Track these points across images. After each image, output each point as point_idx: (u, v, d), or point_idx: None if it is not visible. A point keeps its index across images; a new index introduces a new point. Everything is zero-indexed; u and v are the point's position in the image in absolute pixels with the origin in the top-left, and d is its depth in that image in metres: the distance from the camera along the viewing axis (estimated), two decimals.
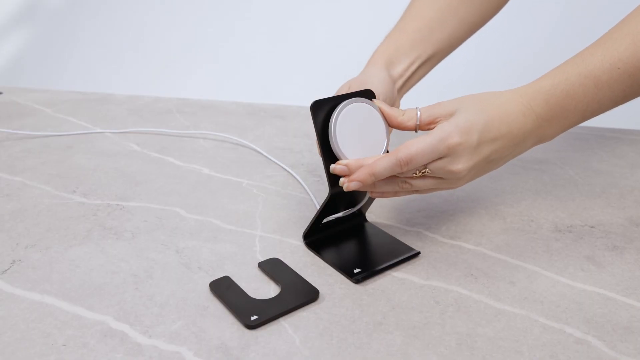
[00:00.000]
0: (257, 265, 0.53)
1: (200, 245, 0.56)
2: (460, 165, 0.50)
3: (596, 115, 0.55)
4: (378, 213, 0.63)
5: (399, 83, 0.66)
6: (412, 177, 0.51)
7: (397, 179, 0.51)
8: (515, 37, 1.82)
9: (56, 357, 0.42)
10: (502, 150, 0.52)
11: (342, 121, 0.51)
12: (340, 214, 0.57)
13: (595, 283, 0.51)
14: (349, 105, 0.51)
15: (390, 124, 0.54)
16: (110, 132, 0.86)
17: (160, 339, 0.44)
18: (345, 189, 0.51)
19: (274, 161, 0.76)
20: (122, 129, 0.87)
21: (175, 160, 0.76)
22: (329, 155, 0.51)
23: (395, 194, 0.53)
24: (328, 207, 0.54)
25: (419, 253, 0.55)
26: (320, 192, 0.67)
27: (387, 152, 0.54)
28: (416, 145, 0.49)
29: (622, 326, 0.45)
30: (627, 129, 0.88)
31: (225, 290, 0.49)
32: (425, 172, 0.50)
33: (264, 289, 0.50)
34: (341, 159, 0.51)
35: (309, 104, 0.51)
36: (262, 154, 0.79)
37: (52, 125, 0.88)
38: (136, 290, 0.49)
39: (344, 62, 1.97)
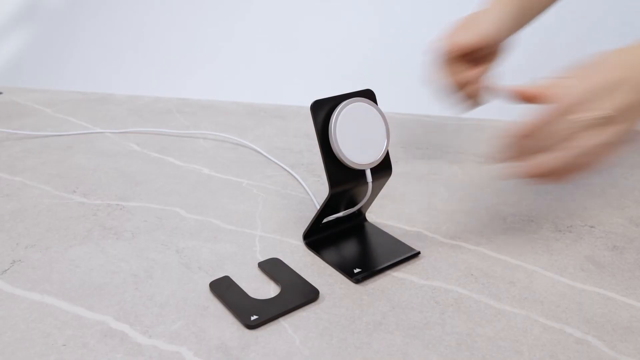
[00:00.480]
0: (257, 265, 0.53)
1: (200, 245, 0.56)
2: (634, 94, 0.43)
3: None
4: (378, 213, 0.63)
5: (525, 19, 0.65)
6: (576, 138, 0.44)
7: (561, 147, 0.45)
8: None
9: (56, 357, 0.42)
10: None
11: (342, 121, 0.51)
12: (340, 214, 0.57)
13: (595, 283, 0.51)
14: (349, 105, 0.51)
15: (541, 102, 0.47)
16: (110, 132, 0.86)
17: (160, 339, 0.44)
18: (508, 155, 0.47)
19: (274, 161, 0.76)
20: (122, 129, 0.87)
21: (175, 160, 0.76)
22: (329, 155, 0.51)
23: (556, 175, 0.46)
24: (328, 207, 0.54)
25: (419, 253, 0.55)
26: (320, 192, 0.67)
27: (387, 152, 0.54)
28: (575, 87, 0.44)
29: (622, 326, 0.45)
30: None
31: (225, 290, 0.49)
32: (599, 118, 0.43)
33: (264, 289, 0.50)
34: (341, 159, 0.51)
35: (309, 104, 0.51)
36: (262, 154, 0.79)
37: (52, 125, 0.88)
38: (136, 290, 0.49)
39: (344, 62, 1.97)
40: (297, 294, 0.48)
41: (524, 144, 0.46)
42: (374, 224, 0.60)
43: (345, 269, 0.52)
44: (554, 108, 0.44)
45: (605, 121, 0.44)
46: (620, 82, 0.44)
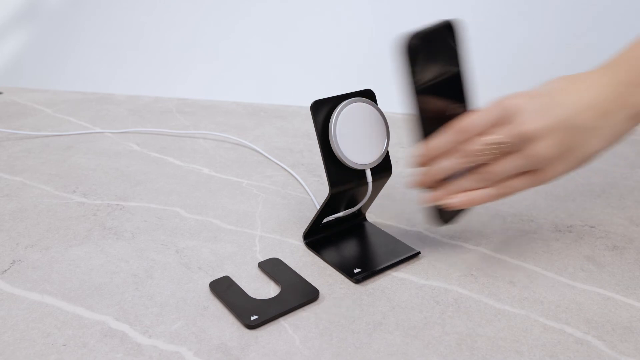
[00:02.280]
0: (257, 265, 0.53)
1: (200, 245, 0.56)
2: (531, 124, 0.43)
3: None
4: (378, 213, 0.63)
5: None
6: (488, 163, 0.45)
7: (474, 172, 0.47)
8: (511, 37, 1.82)
9: (56, 357, 0.42)
10: (585, 114, 0.44)
11: (342, 121, 0.51)
12: (340, 214, 0.57)
13: (595, 283, 0.51)
14: (349, 105, 0.51)
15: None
16: (110, 132, 0.86)
17: (160, 339, 0.43)
18: (420, 184, 0.49)
19: (274, 161, 0.76)
20: (122, 129, 0.87)
21: (175, 160, 0.76)
22: (329, 155, 0.51)
23: (480, 197, 0.47)
24: (328, 207, 0.54)
25: (419, 253, 0.55)
26: (320, 192, 0.67)
27: (387, 152, 0.54)
28: (474, 113, 0.45)
29: (622, 326, 0.45)
30: None
31: (225, 290, 0.49)
32: (496, 146, 0.44)
33: (264, 289, 0.50)
34: (341, 159, 0.51)
35: (309, 104, 0.51)
36: (262, 154, 0.79)
37: (52, 125, 0.88)
38: (136, 290, 0.49)
39: (344, 63, 1.97)
40: (297, 294, 0.48)
41: (433, 167, 0.48)
42: (374, 224, 0.60)
43: (345, 269, 0.52)
44: (455, 127, 0.46)
45: (503, 148, 0.44)
46: (518, 110, 0.44)
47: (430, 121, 0.48)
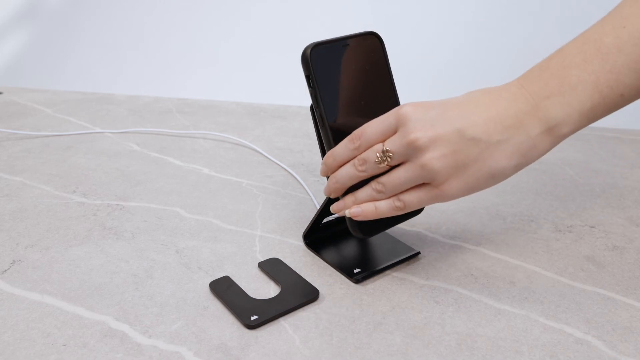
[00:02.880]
0: (257, 265, 0.53)
1: (200, 245, 0.56)
2: (417, 133, 0.42)
3: (624, 92, 0.43)
4: None
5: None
6: (382, 174, 0.45)
7: (372, 182, 0.46)
8: (509, 36, 1.82)
9: (56, 357, 0.42)
10: (485, 127, 0.42)
11: None
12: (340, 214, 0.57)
13: (595, 283, 0.51)
14: None
15: None
16: (110, 132, 0.86)
17: (160, 339, 0.43)
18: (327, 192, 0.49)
19: (274, 161, 0.76)
20: (122, 129, 0.87)
21: (175, 160, 0.76)
22: None
23: (375, 209, 0.46)
24: (328, 207, 0.54)
25: (419, 253, 0.55)
26: (320, 192, 0.67)
27: None
28: (371, 121, 0.45)
29: (622, 326, 0.45)
30: (627, 129, 0.88)
31: (225, 290, 0.49)
32: (387, 154, 0.43)
33: (264, 289, 0.50)
34: None
35: (309, 104, 0.51)
36: (262, 154, 0.79)
37: (52, 125, 0.88)
38: (136, 290, 0.49)
39: None
40: (297, 294, 0.48)
41: (333, 176, 0.48)
42: None
43: (345, 269, 0.52)
44: (350, 135, 0.46)
45: (391, 157, 0.44)
46: (409, 119, 0.43)
47: (338, 130, 0.47)
